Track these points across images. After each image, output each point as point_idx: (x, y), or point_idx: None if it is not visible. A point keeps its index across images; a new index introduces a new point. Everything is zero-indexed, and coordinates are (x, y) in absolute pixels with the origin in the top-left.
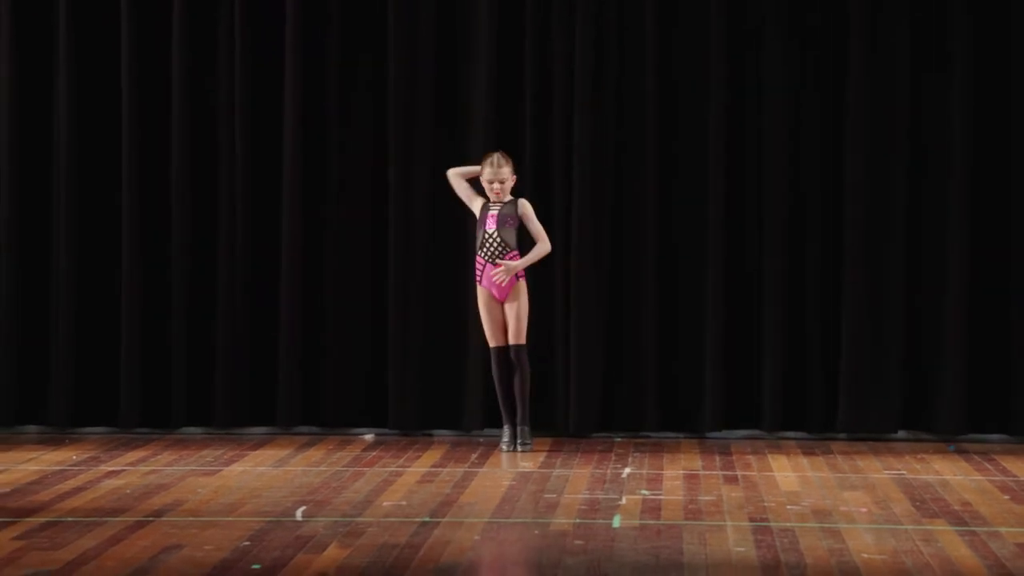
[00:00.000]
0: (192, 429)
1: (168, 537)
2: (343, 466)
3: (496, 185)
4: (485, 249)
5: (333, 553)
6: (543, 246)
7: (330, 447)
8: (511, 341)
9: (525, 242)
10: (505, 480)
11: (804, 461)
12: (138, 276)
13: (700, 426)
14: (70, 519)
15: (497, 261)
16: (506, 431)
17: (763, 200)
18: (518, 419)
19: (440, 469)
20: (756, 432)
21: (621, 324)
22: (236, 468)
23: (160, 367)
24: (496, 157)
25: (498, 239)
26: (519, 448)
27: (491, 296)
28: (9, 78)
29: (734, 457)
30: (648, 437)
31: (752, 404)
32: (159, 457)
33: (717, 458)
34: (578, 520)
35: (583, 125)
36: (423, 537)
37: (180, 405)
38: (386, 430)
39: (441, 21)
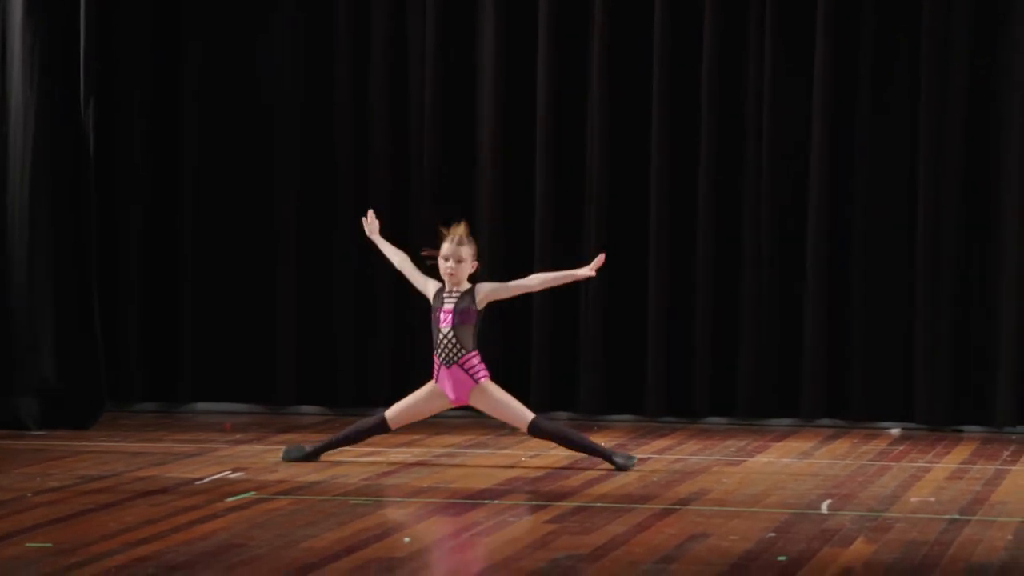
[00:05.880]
0: (716, 419)
1: (694, 525)
2: (869, 460)
3: (451, 264)
4: (440, 350)
5: (860, 548)
6: (548, 274)
7: (855, 440)
8: (521, 428)
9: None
10: None
11: None
12: (665, 265)
13: None
14: (599, 504)
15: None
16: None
17: None
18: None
19: (970, 466)
20: None
21: None
22: (760, 459)
23: (684, 358)
24: (459, 234)
25: (453, 339)
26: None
27: (442, 395)
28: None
29: None
30: None
31: None
32: (684, 446)
33: None
34: None
35: None
36: (952, 535)
37: (704, 395)
38: (913, 424)
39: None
